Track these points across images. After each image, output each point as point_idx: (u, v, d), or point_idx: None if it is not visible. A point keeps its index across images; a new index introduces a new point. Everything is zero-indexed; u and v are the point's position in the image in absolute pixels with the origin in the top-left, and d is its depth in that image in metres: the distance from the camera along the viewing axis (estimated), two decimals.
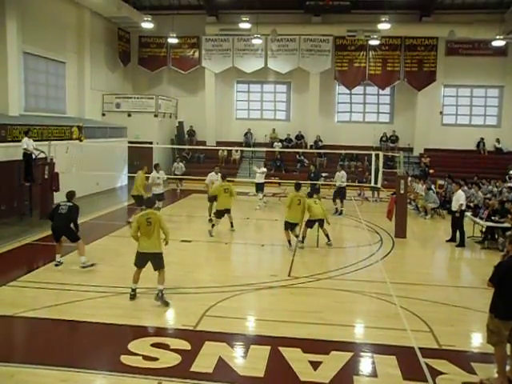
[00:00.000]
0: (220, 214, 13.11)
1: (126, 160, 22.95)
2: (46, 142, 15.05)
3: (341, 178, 16.68)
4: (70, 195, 10.06)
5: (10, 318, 7.28)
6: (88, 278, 9.21)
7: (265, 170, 18.25)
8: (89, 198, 17.25)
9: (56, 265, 9.87)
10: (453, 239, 12.92)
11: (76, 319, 7.24)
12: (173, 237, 11.51)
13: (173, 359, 6.06)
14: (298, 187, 12.12)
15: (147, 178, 14.29)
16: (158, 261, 8.07)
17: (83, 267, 9.67)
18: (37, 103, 19.67)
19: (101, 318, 7.25)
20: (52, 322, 7.18)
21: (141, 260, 8.08)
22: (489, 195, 16.59)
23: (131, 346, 6.37)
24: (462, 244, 12.64)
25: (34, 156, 14.55)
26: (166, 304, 7.86)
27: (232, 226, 13.48)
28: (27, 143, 14.36)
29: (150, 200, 9.04)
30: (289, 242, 11.79)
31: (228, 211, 13.29)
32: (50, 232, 12.89)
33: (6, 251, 10.97)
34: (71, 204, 9.88)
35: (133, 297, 8.09)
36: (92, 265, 9.78)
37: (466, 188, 16.15)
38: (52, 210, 10.29)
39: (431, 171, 23.23)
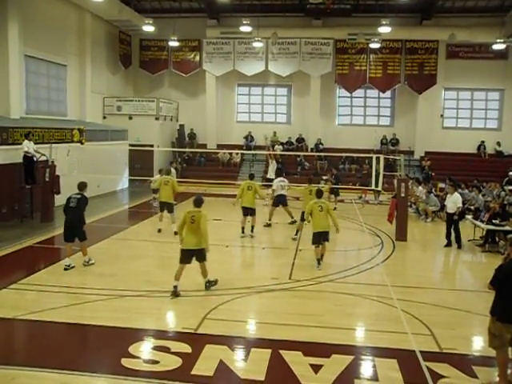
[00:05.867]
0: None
1: (126, 163, 22.96)
2: (47, 145, 15.08)
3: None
4: (81, 186, 9.85)
5: (11, 320, 7.27)
6: (89, 280, 9.20)
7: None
8: (90, 201, 17.07)
9: (65, 269, 9.60)
10: (449, 244, 12.75)
11: (77, 322, 7.23)
12: (173, 240, 11.55)
13: (173, 362, 6.05)
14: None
15: None
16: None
17: (85, 265, 9.95)
18: (38, 106, 19.70)
19: (101, 321, 7.24)
20: (53, 324, 7.17)
21: None
22: (489, 198, 16.57)
23: (132, 349, 6.36)
24: (459, 246, 12.65)
25: (35, 158, 14.56)
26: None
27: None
28: (28, 146, 14.39)
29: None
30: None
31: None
32: (51, 235, 13.03)
33: (7, 254, 10.95)
34: (80, 196, 9.66)
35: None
36: (93, 263, 10.00)
37: (461, 191, 15.75)
38: (65, 203, 9.84)
39: (432, 174, 23.24)
